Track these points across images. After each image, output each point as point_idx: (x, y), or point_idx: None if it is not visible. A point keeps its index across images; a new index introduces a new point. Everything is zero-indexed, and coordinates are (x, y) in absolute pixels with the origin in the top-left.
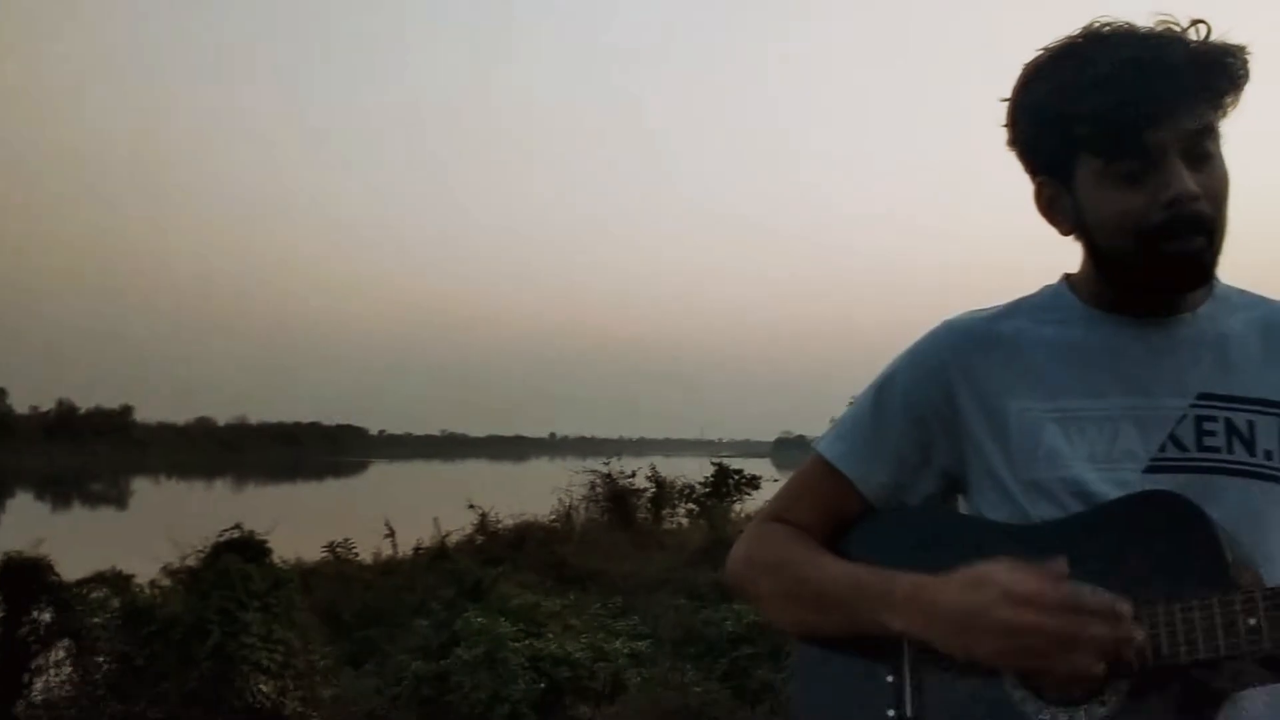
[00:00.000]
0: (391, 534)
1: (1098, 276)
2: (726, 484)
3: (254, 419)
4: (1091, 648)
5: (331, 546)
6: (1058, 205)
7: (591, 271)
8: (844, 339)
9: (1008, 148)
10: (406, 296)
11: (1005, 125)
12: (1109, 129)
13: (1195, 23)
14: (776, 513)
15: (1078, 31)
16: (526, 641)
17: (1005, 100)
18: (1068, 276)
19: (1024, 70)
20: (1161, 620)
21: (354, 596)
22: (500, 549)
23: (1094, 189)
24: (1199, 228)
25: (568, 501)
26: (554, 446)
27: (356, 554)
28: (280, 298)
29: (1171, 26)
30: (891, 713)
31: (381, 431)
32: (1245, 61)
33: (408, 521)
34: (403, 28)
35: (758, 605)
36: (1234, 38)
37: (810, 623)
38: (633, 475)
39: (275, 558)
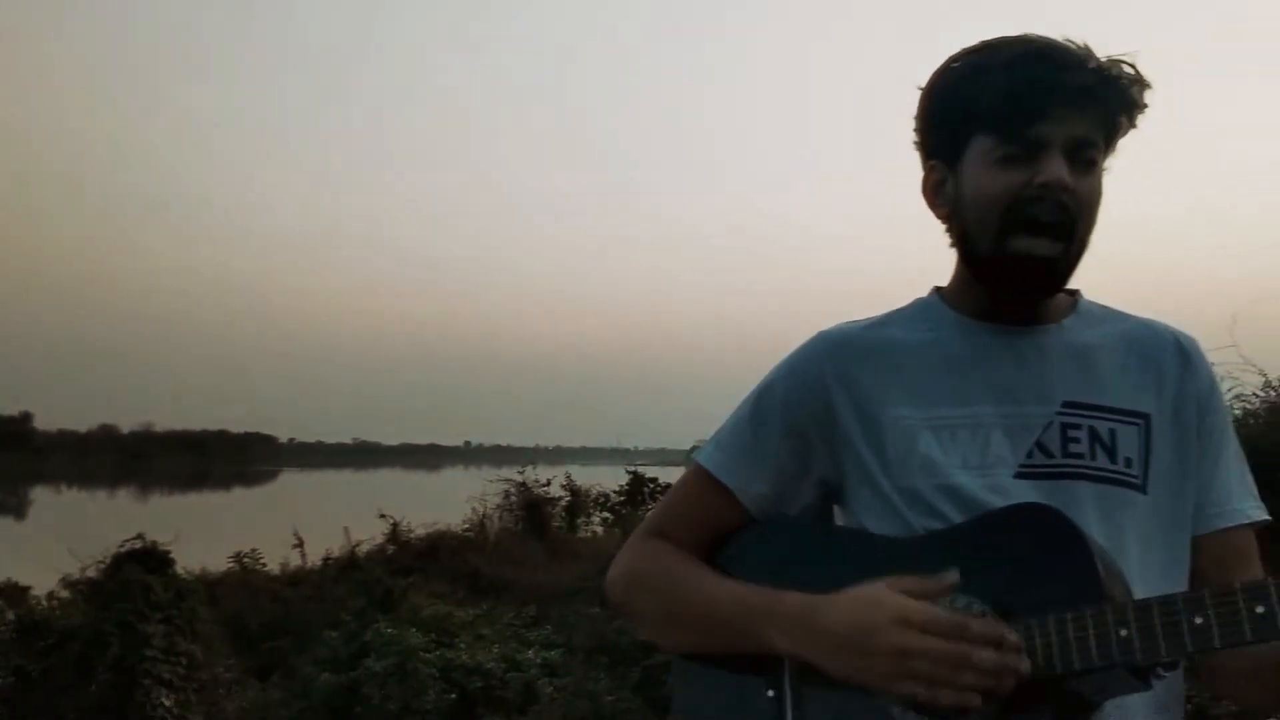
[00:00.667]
0: (300, 544)
1: (965, 282)
2: (642, 492)
3: (159, 427)
4: (978, 674)
5: (238, 557)
6: (942, 189)
7: (507, 277)
8: (760, 346)
9: (912, 139)
10: (318, 302)
11: (915, 116)
12: (1006, 109)
13: (1112, 59)
14: (657, 526)
15: (994, 37)
16: (438, 652)
17: (920, 89)
18: (938, 289)
19: (944, 62)
20: (1037, 633)
21: (261, 608)
22: (412, 559)
23: (979, 167)
24: (1060, 216)
25: (481, 511)
26: (469, 455)
27: (264, 565)
28: (187, 303)
29: (1091, 50)
30: (770, 693)
31: (291, 440)
32: (1143, 95)
33: (318, 531)
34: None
35: (638, 623)
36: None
37: (693, 643)
38: (548, 484)
39: (179, 568)
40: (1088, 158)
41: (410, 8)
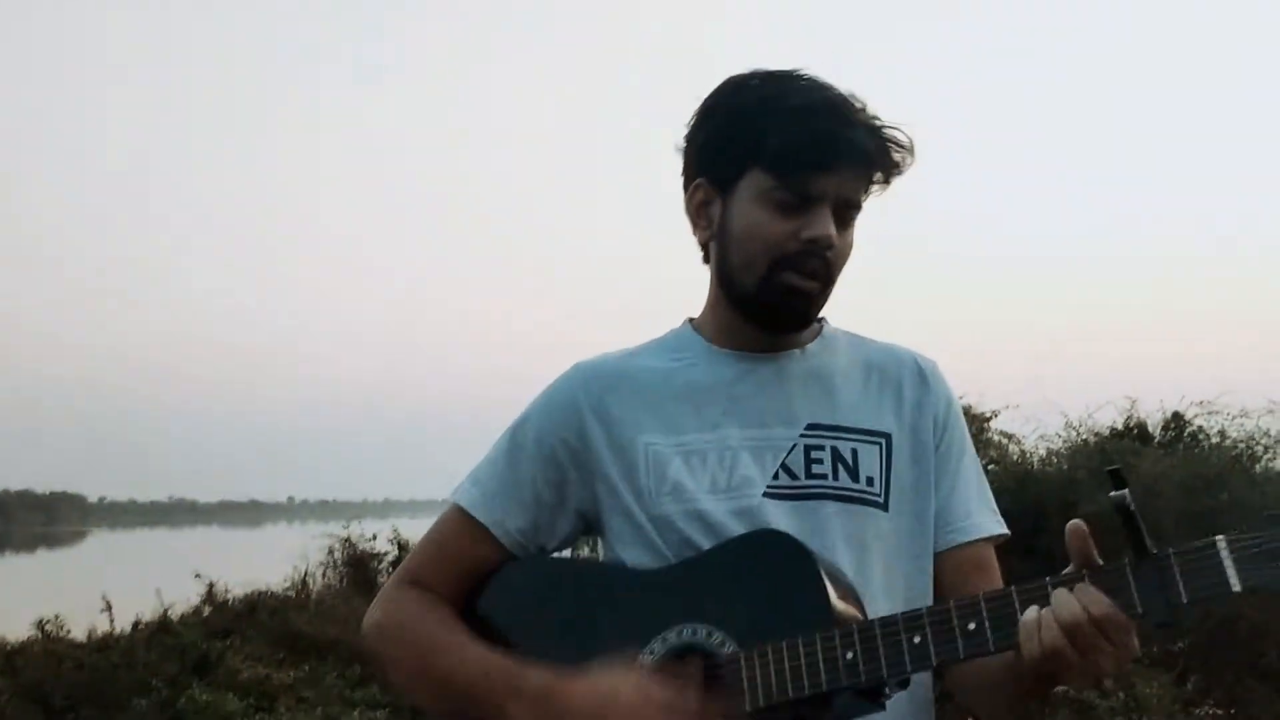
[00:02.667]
0: (108, 608)
1: (717, 311)
2: None
3: None
4: None
5: (40, 624)
6: (706, 210)
7: (329, 322)
8: None
9: (680, 146)
10: (128, 351)
11: (689, 124)
12: (792, 156)
13: (891, 126)
14: (413, 572)
15: (791, 67)
16: (257, 717)
17: (701, 99)
18: (691, 319)
19: (729, 79)
20: (771, 659)
21: (65, 677)
22: (230, 620)
23: (751, 203)
24: (818, 273)
25: (303, 568)
26: (292, 511)
27: (68, 631)
28: None
29: (868, 109)
30: None
31: (102, 498)
32: (908, 163)
33: (129, 594)
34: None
35: (390, 675)
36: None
37: (436, 704)
38: (374, 538)
39: None
40: (849, 218)
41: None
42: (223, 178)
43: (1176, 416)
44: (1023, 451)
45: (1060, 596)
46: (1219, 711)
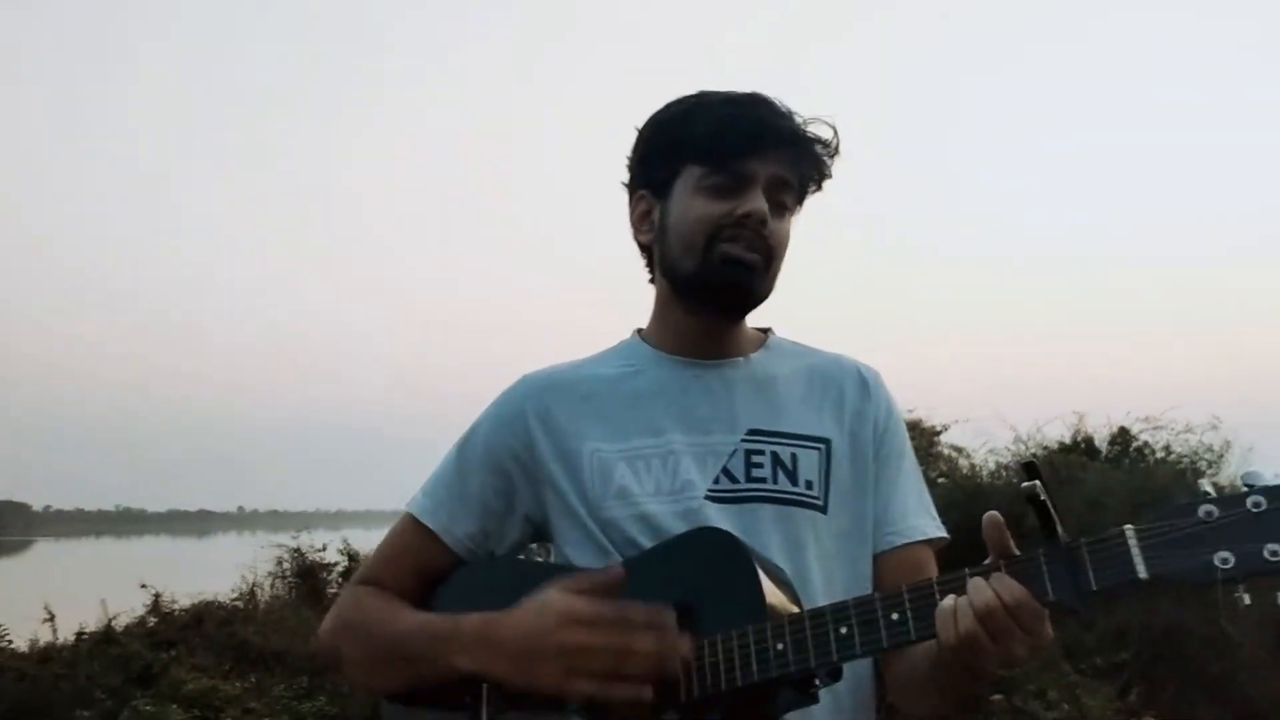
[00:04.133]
0: (52, 618)
1: (663, 317)
2: None
3: None
4: (642, 660)
5: None
6: (648, 217)
7: (280, 334)
8: None
9: (622, 181)
10: (76, 358)
11: (629, 154)
12: (717, 140)
13: (817, 123)
14: (367, 575)
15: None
16: None
17: (638, 128)
18: (639, 330)
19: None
20: (706, 652)
21: (6, 688)
22: (175, 631)
23: (687, 195)
24: (757, 246)
25: (251, 579)
26: (242, 521)
27: (10, 642)
28: None
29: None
30: None
31: (47, 507)
32: (834, 154)
33: (74, 604)
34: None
35: (348, 671)
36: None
37: (391, 680)
38: (324, 549)
39: None
40: (782, 200)
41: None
42: (168, 187)
43: (1123, 431)
44: (973, 465)
45: (975, 584)
46: (1151, 714)
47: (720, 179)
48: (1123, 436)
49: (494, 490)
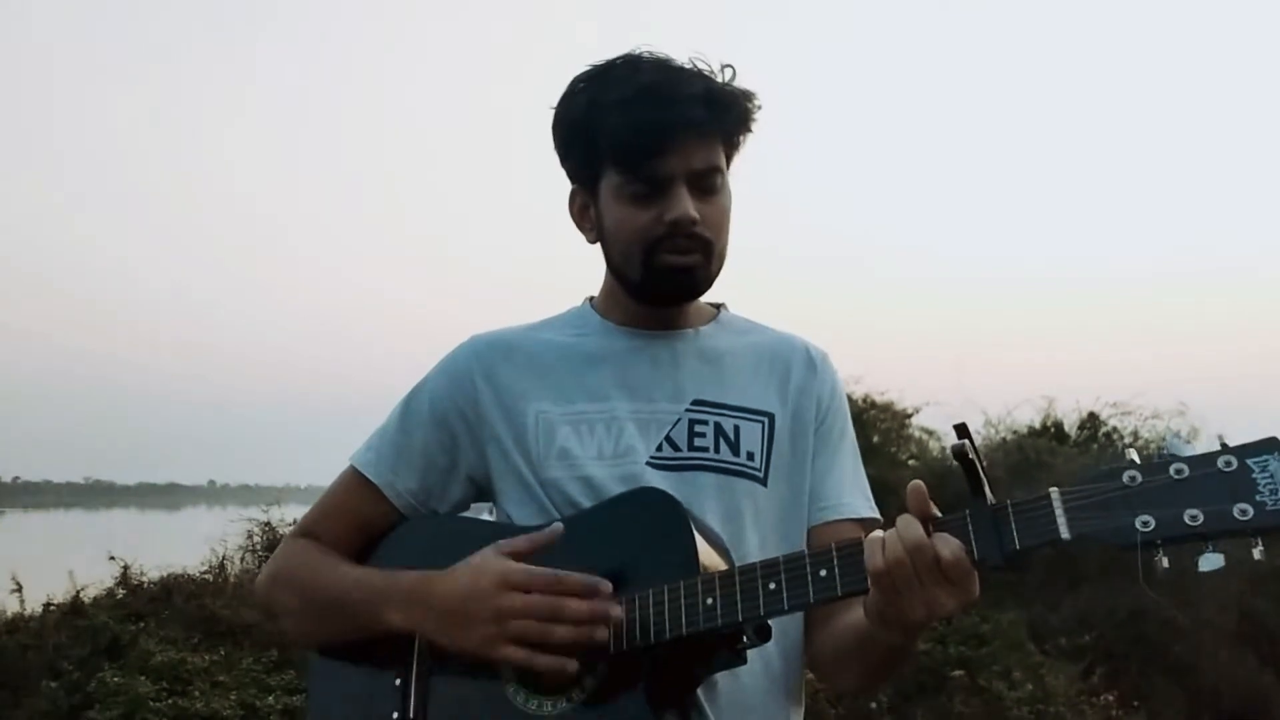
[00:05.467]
0: (19, 589)
1: (613, 292)
2: None
3: None
4: (572, 625)
5: None
6: (586, 213)
7: (255, 307)
8: None
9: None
10: (45, 329)
11: (551, 137)
12: (624, 152)
13: (725, 66)
14: (307, 528)
15: (620, 55)
16: (170, 701)
17: (552, 108)
18: (590, 297)
19: (568, 85)
20: (636, 605)
21: None
22: (144, 604)
23: (612, 202)
24: (695, 247)
25: (221, 552)
26: (213, 495)
27: None
28: None
29: (700, 65)
30: (395, 715)
31: (15, 478)
32: (754, 108)
33: (41, 575)
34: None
35: (284, 622)
36: (752, 84)
37: (324, 631)
38: (294, 523)
39: None
40: (710, 184)
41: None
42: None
43: (1092, 416)
44: (943, 447)
45: (905, 519)
46: (1112, 697)
47: (639, 187)
48: (1092, 421)
49: (438, 446)
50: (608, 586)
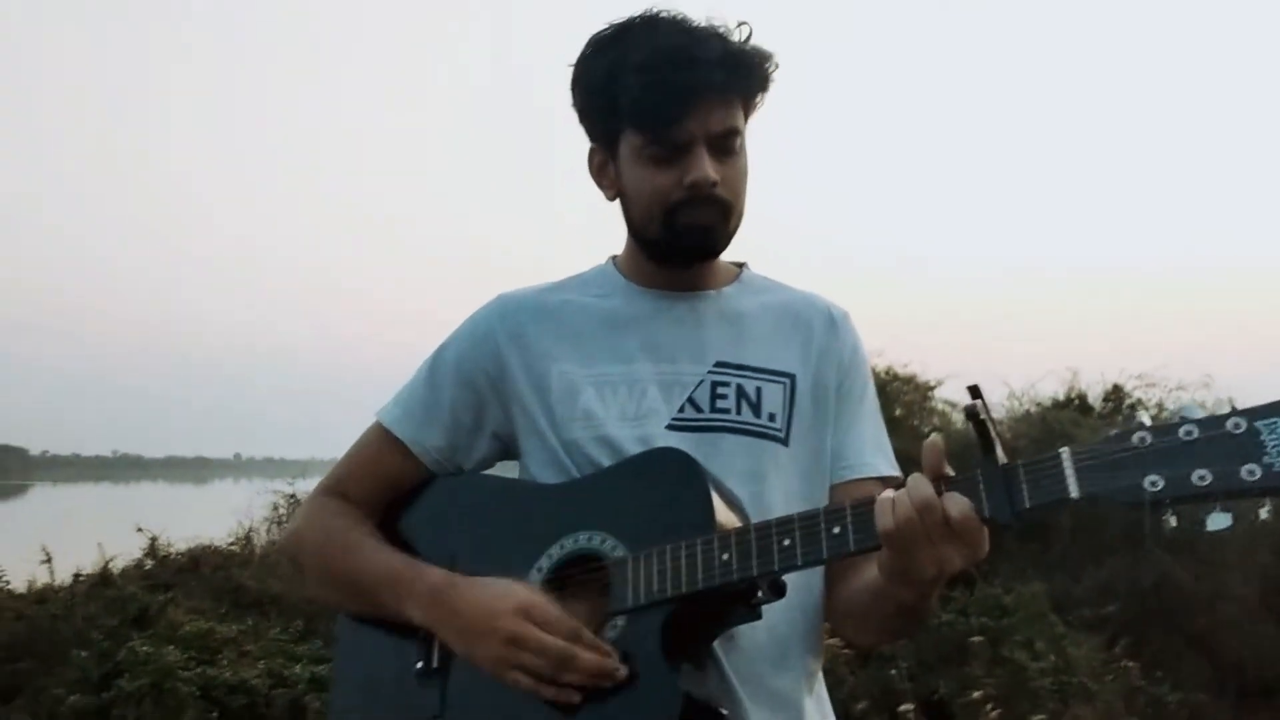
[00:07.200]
0: (49, 560)
1: (634, 253)
2: None
3: None
4: (579, 675)
5: None
6: (605, 171)
7: (281, 281)
8: None
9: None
10: (76, 304)
11: (570, 96)
12: (645, 115)
13: (740, 24)
14: (334, 484)
15: (638, 14)
16: (198, 670)
17: (571, 66)
18: (614, 257)
19: (587, 43)
20: (655, 560)
21: (2, 628)
22: (172, 574)
23: (632, 163)
24: (714, 208)
25: (248, 524)
26: (239, 468)
27: (7, 583)
28: None
29: (716, 24)
30: (420, 665)
31: (45, 452)
32: (772, 69)
33: (71, 547)
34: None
35: (305, 578)
36: (770, 44)
37: (344, 605)
38: None
39: None
40: (729, 145)
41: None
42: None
43: (1116, 389)
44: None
45: (914, 478)
46: (1134, 664)
47: (658, 149)
48: (1116, 394)
49: (464, 405)
50: (617, 659)
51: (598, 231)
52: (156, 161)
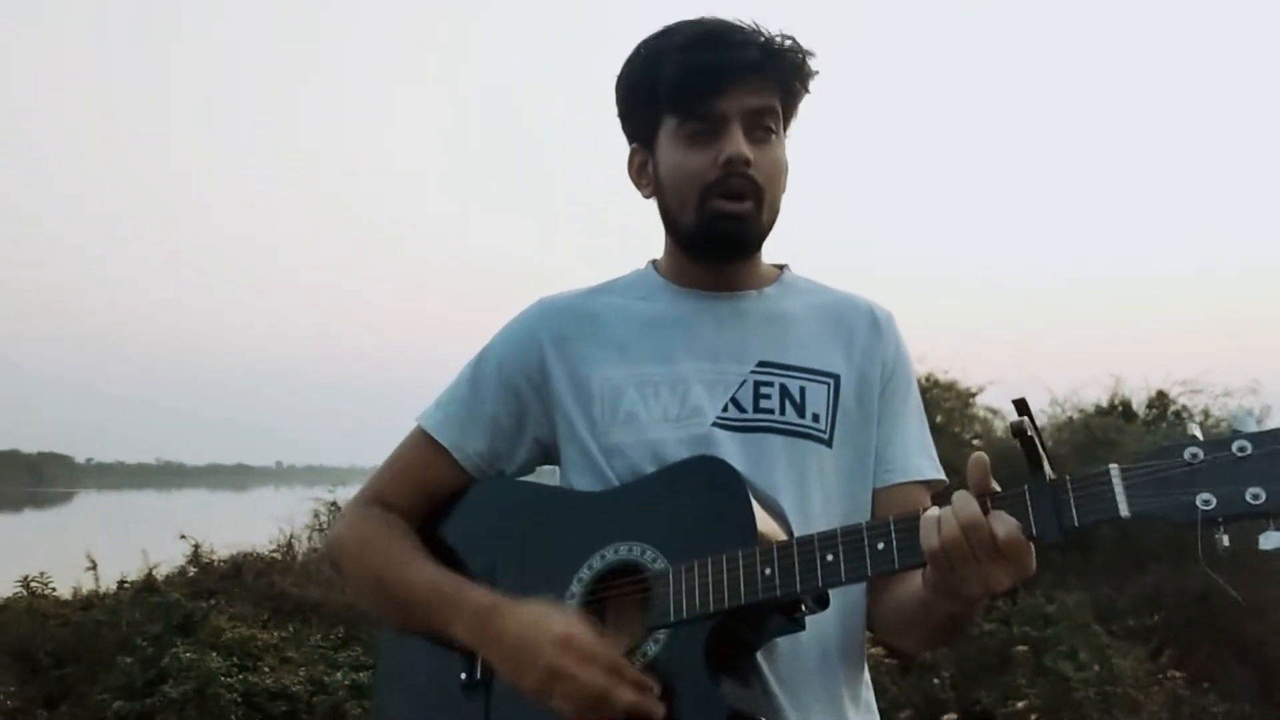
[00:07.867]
0: (94, 567)
1: (674, 253)
2: None
3: None
4: (616, 711)
5: (26, 581)
6: (644, 170)
7: (325, 289)
8: None
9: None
10: (117, 311)
11: (616, 104)
12: (683, 89)
13: (783, 35)
14: (376, 492)
15: (673, 23)
16: (240, 676)
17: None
18: (654, 260)
19: (629, 55)
20: (696, 574)
21: (49, 634)
22: (214, 581)
23: (670, 148)
24: (748, 191)
25: (289, 531)
26: (280, 476)
27: (54, 589)
28: None
29: (759, 25)
30: (464, 675)
31: (90, 459)
32: (809, 62)
33: (115, 554)
34: None
35: (346, 583)
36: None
37: (387, 616)
38: None
39: None
40: (765, 125)
41: None
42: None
43: (1160, 395)
44: (1007, 427)
45: (960, 497)
46: (1179, 675)
47: (695, 125)
48: (1160, 400)
49: (506, 410)
50: (660, 708)
51: (598, 235)
52: (170, 178)
